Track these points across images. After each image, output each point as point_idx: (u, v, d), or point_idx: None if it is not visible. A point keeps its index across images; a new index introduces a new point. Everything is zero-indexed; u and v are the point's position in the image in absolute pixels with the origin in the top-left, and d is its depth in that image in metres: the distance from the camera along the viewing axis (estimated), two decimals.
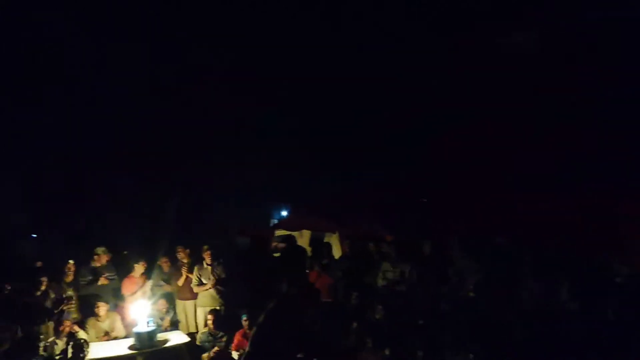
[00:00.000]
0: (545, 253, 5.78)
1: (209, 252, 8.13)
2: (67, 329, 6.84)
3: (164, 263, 8.45)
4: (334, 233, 9.61)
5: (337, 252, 9.05)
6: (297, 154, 9.88)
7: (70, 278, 7.65)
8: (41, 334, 6.53)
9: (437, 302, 5.87)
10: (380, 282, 6.99)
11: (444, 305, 5.78)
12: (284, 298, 5.06)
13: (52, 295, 7.28)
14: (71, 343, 6.60)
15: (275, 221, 10.40)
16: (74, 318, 7.22)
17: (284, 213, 10.32)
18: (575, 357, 4.26)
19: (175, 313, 8.15)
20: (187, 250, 8.41)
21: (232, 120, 9.90)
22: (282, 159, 9.85)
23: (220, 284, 7.94)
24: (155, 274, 8.27)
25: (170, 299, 8.19)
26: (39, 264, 7.44)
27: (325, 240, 9.62)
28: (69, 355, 6.43)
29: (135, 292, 7.73)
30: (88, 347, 6.55)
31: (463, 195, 8.55)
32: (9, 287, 6.87)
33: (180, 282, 8.14)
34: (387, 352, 5.36)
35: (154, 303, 7.66)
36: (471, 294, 5.69)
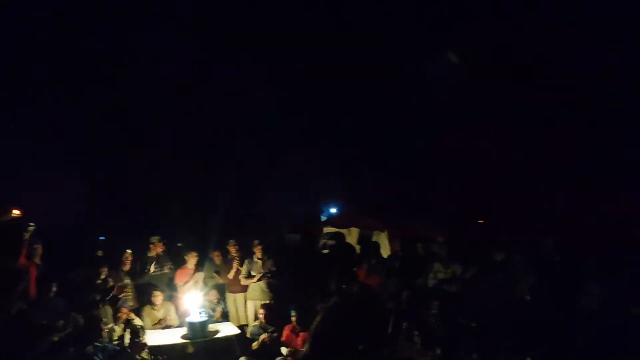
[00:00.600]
0: (610, 256, 5.56)
1: (259, 246, 8.27)
2: (125, 316, 7.13)
3: (215, 256, 8.65)
4: (382, 232, 9.57)
5: (384, 251, 9.01)
6: (349, 152, 9.90)
7: (127, 267, 7.94)
8: (101, 320, 6.83)
9: (492, 304, 5.74)
10: (431, 283, 6.91)
11: (498, 307, 5.65)
12: (340, 296, 5.12)
13: (111, 284, 7.60)
14: (128, 329, 6.89)
15: (324, 218, 10.44)
16: (131, 306, 7.51)
17: (333, 210, 10.33)
18: None
19: (225, 305, 8.33)
20: (235, 244, 8.58)
21: (285, 117, 10.01)
22: (333, 156, 9.89)
23: (269, 278, 8.06)
24: (207, 266, 8.48)
25: (221, 291, 8.39)
26: (99, 253, 7.77)
27: (374, 239, 9.58)
28: (126, 340, 6.70)
29: (187, 283, 7.95)
30: (144, 333, 6.80)
31: (521, 196, 8.34)
32: (73, 275, 7.22)
33: (231, 275, 8.32)
34: (438, 352, 5.30)
35: (206, 294, 7.86)
36: (527, 297, 5.54)
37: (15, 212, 6.54)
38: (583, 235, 6.55)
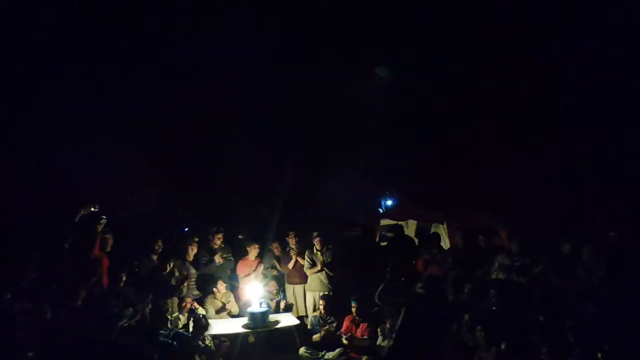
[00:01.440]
0: None
1: (318, 238, 8.33)
2: (189, 306, 7.38)
3: (275, 247, 8.78)
4: (442, 224, 9.38)
5: (444, 244, 8.83)
6: (408, 143, 9.76)
7: (191, 257, 8.21)
8: (167, 309, 7.11)
9: (562, 298, 5.51)
10: (495, 276, 6.70)
11: (569, 302, 5.42)
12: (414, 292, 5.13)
13: (177, 274, 7.89)
14: (192, 318, 7.13)
15: (382, 210, 10.36)
16: (195, 295, 7.77)
17: (390, 202, 10.23)
18: None
19: (285, 296, 8.45)
20: (295, 235, 8.66)
21: (345, 109, 9.97)
22: (391, 147, 9.79)
23: (329, 270, 8.10)
24: (267, 257, 8.63)
25: (280, 283, 8.51)
26: (159, 244, 8.02)
27: (432, 231, 9.42)
28: (190, 329, 6.94)
29: (248, 274, 8.13)
30: (207, 322, 7.02)
31: (589, 187, 7.96)
32: (142, 266, 7.55)
33: (290, 266, 8.42)
34: (503, 347, 5.14)
35: (266, 285, 8.01)
36: (598, 292, 5.27)
37: (93, 208, 6.92)
38: None
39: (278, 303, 8.11)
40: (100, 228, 6.89)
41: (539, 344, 4.92)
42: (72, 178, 8.68)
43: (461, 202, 9.35)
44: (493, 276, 6.81)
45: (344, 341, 6.99)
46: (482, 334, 5.69)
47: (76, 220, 6.80)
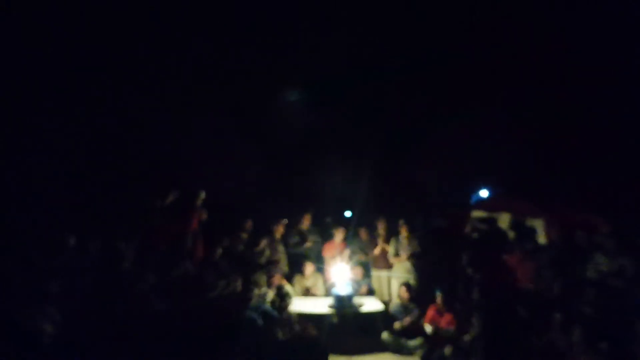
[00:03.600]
0: None
1: (405, 226, 8.29)
2: (277, 282, 7.68)
3: (362, 233, 8.86)
4: (538, 218, 8.89)
5: (541, 239, 8.39)
6: (505, 131, 9.32)
7: (279, 237, 8.52)
8: (257, 284, 7.45)
9: None
10: (592, 275, 6.27)
11: None
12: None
13: (268, 252, 8.24)
14: (279, 294, 7.42)
15: (474, 201, 10.04)
16: (283, 272, 8.07)
17: (484, 194, 9.87)
18: None
19: (370, 281, 8.52)
20: (384, 222, 8.67)
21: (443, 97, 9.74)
22: (488, 136, 9.41)
23: (415, 258, 8.04)
24: (354, 242, 8.74)
25: (366, 268, 8.59)
26: (249, 223, 8.40)
27: (529, 225, 8.97)
28: (277, 304, 7.22)
29: (335, 257, 8.28)
30: (291, 298, 7.27)
31: None
32: (237, 242, 7.96)
33: (377, 251, 8.46)
34: (603, 347, 4.84)
35: (352, 269, 8.12)
36: None
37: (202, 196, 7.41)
38: None
39: (362, 287, 8.19)
40: (199, 202, 7.34)
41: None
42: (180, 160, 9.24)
43: (560, 196, 8.80)
44: (591, 276, 6.37)
45: (428, 331, 6.93)
46: (579, 333, 5.39)
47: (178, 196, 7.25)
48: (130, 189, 8.19)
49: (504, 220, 9.49)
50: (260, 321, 6.47)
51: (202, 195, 7.33)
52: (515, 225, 8.52)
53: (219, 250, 7.14)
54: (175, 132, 9.47)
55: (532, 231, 8.18)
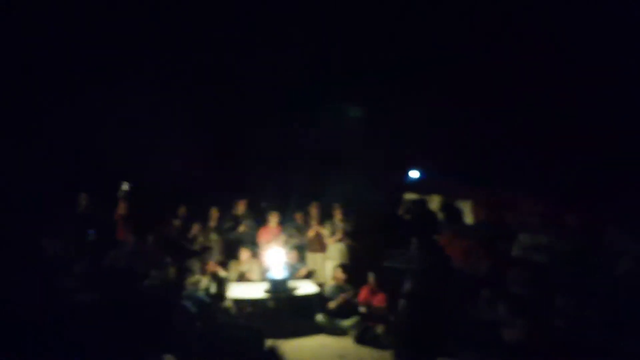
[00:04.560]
0: None
1: (339, 209, 8.39)
2: (211, 269, 7.58)
3: (298, 216, 8.89)
4: (467, 199, 9.25)
5: (468, 219, 8.74)
6: (436, 114, 9.52)
7: (214, 223, 8.40)
8: (190, 272, 7.32)
9: (582, 278, 5.42)
10: (517, 252, 6.61)
11: (588, 281, 5.33)
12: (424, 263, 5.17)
13: (201, 239, 8.10)
14: (214, 281, 7.33)
15: (406, 184, 10.28)
16: (218, 259, 7.97)
17: (415, 175, 10.11)
18: None
19: (305, 264, 8.58)
20: (318, 206, 8.74)
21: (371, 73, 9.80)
22: (419, 120, 9.60)
23: (349, 240, 8.16)
24: (289, 225, 8.75)
25: (301, 251, 8.63)
26: (183, 209, 8.25)
27: (458, 206, 9.31)
28: (212, 291, 7.14)
29: (270, 241, 8.25)
30: (227, 284, 7.20)
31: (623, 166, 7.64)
32: (167, 230, 7.79)
33: (311, 234, 8.52)
34: (526, 320, 5.12)
35: (287, 252, 8.13)
36: (623, 272, 5.14)
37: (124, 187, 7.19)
38: None
39: (298, 270, 8.23)
40: (120, 194, 7.14)
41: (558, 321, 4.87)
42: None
43: (488, 177, 9.15)
44: (516, 253, 6.70)
45: (362, 310, 7.07)
46: (505, 308, 5.67)
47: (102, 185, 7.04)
48: (54, 179, 7.83)
49: (435, 202, 9.81)
50: (193, 309, 6.36)
51: (125, 186, 7.13)
52: (445, 206, 8.83)
53: (149, 238, 6.94)
54: (101, 117, 9.05)
55: (460, 212, 8.50)
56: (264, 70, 10.01)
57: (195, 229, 8.13)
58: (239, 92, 10.34)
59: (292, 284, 7.49)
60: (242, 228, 8.47)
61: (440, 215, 8.61)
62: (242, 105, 10.58)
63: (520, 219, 7.52)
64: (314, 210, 8.66)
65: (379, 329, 6.65)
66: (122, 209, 7.19)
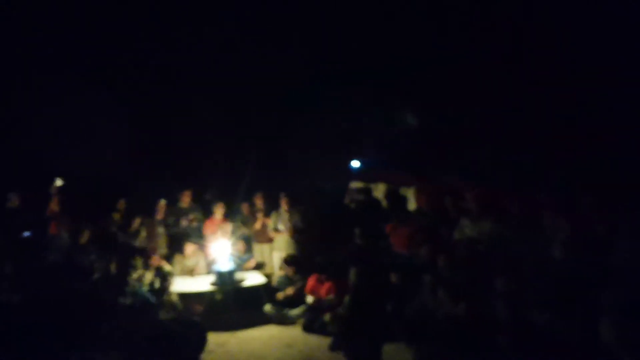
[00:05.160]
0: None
1: (286, 199, 8.37)
2: (156, 263, 7.38)
3: (244, 207, 8.80)
4: (410, 187, 9.46)
5: (412, 207, 8.93)
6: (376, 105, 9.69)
7: (160, 216, 8.19)
8: (133, 267, 7.10)
9: (519, 260, 5.66)
10: (458, 238, 6.81)
11: (530, 265, 5.57)
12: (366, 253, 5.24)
13: (144, 233, 7.88)
14: (158, 276, 7.15)
15: (352, 172, 10.40)
16: (162, 253, 7.78)
17: (360, 164, 10.26)
18: None
19: (252, 255, 8.53)
20: (263, 197, 8.68)
21: (313, 65, 9.80)
22: (362, 108, 9.73)
23: (296, 231, 8.17)
24: (236, 217, 8.66)
25: (249, 242, 8.57)
26: (122, 203, 8.00)
27: (402, 193, 9.50)
28: (156, 286, 6.96)
29: (216, 233, 8.14)
30: (172, 279, 7.05)
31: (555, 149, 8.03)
32: (107, 223, 7.50)
33: (258, 225, 8.46)
34: (464, 305, 5.30)
35: (234, 244, 8.05)
36: (557, 254, 5.40)
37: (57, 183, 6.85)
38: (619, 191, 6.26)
39: (245, 262, 8.17)
40: (53, 190, 6.84)
41: (496, 304, 5.06)
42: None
43: (431, 165, 9.39)
44: (456, 239, 6.89)
45: (309, 300, 7.12)
46: (445, 293, 5.84)
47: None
48: None
49: (380, 190, 9.97)
50: (136, 305, 6.18)
51: (58, 182, 6.82)
52: (389, 194, 8.99)
53: (85, 235, 6.66)
54: (30, 114, 8.60)
55: (404, 199, 8.67)
56: (200, 56, 9.81)
57: (137, 222, 7.89)
58: (175, 80, 10.07)
59: (239, 275, 7.43)
60: (186, 221, 8.29)
61: (385, 203, 8.77)
62: (179, 95, 10.32)
63: (462, 205, 7.75)
64: (259, 201, 8.60)
65: (327, 317, 6.70)
66: (55, 204, 6.89)
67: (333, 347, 5.89)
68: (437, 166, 9.09)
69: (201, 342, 5.67)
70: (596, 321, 2.03)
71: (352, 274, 5.45)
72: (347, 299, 5.45)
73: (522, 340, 3.72)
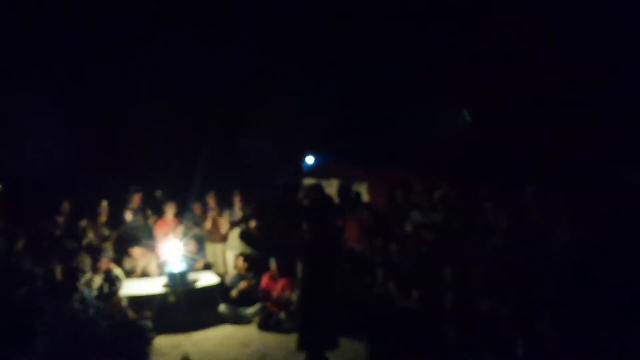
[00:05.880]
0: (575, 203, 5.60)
1: (239, 197, 8.29)
2: (104, 266, 7.16)
3: (196, 207, 8.66)
4: (363, 182, 9.57)
5: (365, 201, 9.04)
6: (329, 100, 9.71)
7: (104, 218, 7.94)
8: (81, 271, 6.86)
9: (465, 249, 5.84)
10: (409, 230, 6.96)
11: (470, 253, 5.76)
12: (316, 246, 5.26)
13: (90, 235, 7.62)
14: (107, 279, 6.94)
15: (305, 169, 10.42)
16: (111, 256, 7.55)
17: (313, 161, 10.28)
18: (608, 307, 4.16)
19: (205, 255, 8.40)
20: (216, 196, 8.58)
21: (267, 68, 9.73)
22: (313, 105, 9.73)
23: (249, 228, 8.11)
24: (187, 216, 8.50)
25: (201, 242, 8.44)
26: (66, 204, 7.73)
27: (354, 189, 9.59)
28: (105, 290, 6.75)
29: (167, 234, 7.97)
30: (121, 282, 6.85)
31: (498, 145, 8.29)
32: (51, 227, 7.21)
33: (208, 224, 8.34)
34: (415, 295, 5.42)
35: (186, 244, 7.91)
36: (498, 243, 5.61)
37: None
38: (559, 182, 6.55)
39: (197, 262, 8.05)
40: None
41: (447, 296, 5.20)
42: None
43: (382, 159, 9.50)
44: (407, 230, 7.03)
45: (262, 297, 7.10)
46: (395, 285, 5.96)
47: None
48: None
49: (333, 185, 10.03)
50: (82, 310, 5.97)
51: None
52: (342, 189, 9.08)
53: (20, 242, 6.36)
54: None
55: (358, 195, 8.78)
56: (146, 50, 9.54)
57: (83, 224, 7.63)
58: (119, 76, 9.75)
59: (192, 276, 7.31)
60: (135, 220, 8.07)
61: (338, 199, 8.83)
62: (123, 91, 10.01)
63: (412, 198, 7.91)
64: (211, 200, 8.47)
65: (282, 314, 6.72)
66: None
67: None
68: (390, 161, 9.20)
69: (146, 348, 5.54)
70: (534, 306, 2.12)
71: (299, 268, 5.47)
72: (296, 294, 5.47)
73: (467, 328, 3.83)
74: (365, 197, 9.12)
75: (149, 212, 8.42)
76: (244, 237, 8.11)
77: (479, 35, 8.62)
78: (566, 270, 4.72)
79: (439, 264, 5.80)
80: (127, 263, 7.68)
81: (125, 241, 7.87)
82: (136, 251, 7.62)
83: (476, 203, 6.62)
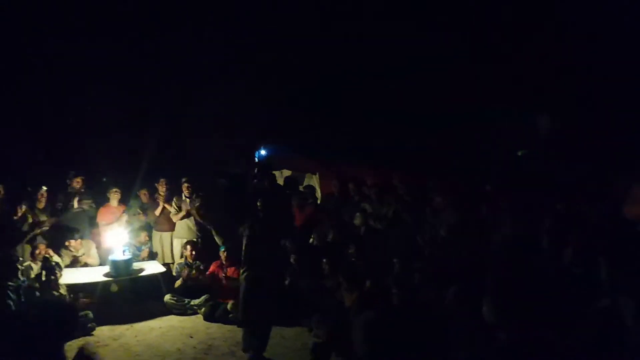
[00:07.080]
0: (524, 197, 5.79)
1: (187, 184, 8.10)
2: (42, 254, 6.82)
3: (142, 194, 8.42)
4: (314, 174, 9.58)
5: (317, 192, 9.07)
6: (282, 92, 9.65)
7: (42, 204, 7.58)
8: (19, 257, 6.52)
9: (412, 242, 5.94)
10: (358, 223, 7.00)
11: (418, 245, 5.86)
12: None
13: (30, 220, 7.24)
14: (45, 267, 6.62)
15: (256, 160, 10.34)
16: (49, 244, 7.21)
17: (264, 152, 10.22)
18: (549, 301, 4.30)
19: (151, 244, 8.18)
20: (166, 182, 8.36)
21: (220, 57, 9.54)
22: (266, 96, 9.64)
23: (197, 216, 7.95)
24: (133, 204, 8.25)
25: (148, 230, 8.21)
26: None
27: (306, 181, 9.60)
28: (43, 278, 6.45)
29: (111, 222, 7.70)
30: (61, 270, 6.56)
31: (447, 137, 8.48)
32: None
33: (157, 212, 8.13)
34: (365, 287, 5.46)
35: (131, 232, 7.67)
36: (444, 235, 5.74)
37: None
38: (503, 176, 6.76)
39: (142, 251, 7.83)
40: None
41: (392, 286, 5.25)
42: None
43: (335, 152, 9.53)
44: (358, 223, 7.07)
45: (205, 281, 7.02)
46: (344, 277, 5.98)
47: None
48: None
49: (285, 176, 10.00)
50: (16, 301, 5.68)
51: None
52: (289, 181, 9.09)
53: None
54: None
55: (311, 188, 8.81)
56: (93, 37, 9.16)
57: (22, 210, 7.24)
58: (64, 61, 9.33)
59: (136, 265, 7.10)
60: (75, 205, 7.74)
61: (286, 189, 8.83)
62: (68, 77, 9.59)
63: (363, 190, 7.98)
64: (161, 187, 8.25)
65: (229, 304, 6.62)
66: None
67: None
68: (342, 152, 9.25)
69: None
70: (480, 299, 2.16)
71: (244, 257, 5.43)
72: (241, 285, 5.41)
73: (415, 322, 3.88)
74: (317, 188, 9.14)
75: (90, 199, 8.09)
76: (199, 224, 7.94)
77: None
78: (506, 263, 4.86)
79: (389, 256, 5.86)
80: (66, 251, 7.36)
81: (66, 229, 7.53)
82: (72, 247, 7.30)
83: (424, 194, 6.75)
